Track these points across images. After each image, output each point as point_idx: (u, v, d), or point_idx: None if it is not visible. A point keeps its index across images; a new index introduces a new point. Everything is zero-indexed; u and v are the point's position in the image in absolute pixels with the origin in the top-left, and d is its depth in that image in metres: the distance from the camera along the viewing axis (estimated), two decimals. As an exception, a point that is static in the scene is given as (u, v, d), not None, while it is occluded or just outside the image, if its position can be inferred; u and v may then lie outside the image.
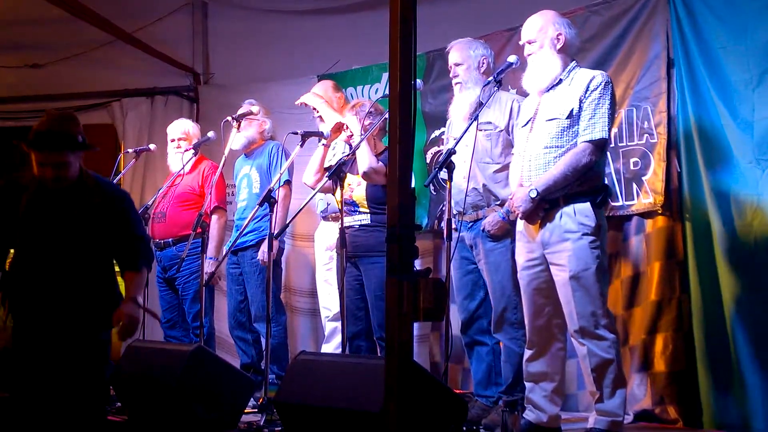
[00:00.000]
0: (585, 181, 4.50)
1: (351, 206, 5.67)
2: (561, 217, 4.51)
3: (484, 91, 5.04)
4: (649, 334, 5.35)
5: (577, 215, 4.47)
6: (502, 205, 5.09)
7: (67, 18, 8.06)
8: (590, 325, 4.41)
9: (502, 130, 5.17)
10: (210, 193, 6.28)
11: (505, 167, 5.14)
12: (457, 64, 5.35)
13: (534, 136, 4.65)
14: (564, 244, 4.48)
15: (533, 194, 4.49)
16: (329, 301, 6.32)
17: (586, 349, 4.44)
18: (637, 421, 5.28)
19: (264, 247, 6.16)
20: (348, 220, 5.64)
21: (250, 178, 6.54)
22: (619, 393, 4.45)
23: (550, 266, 4.56)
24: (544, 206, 4.53)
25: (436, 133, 6.62)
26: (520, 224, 4.72)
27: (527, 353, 4.71)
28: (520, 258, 4.73)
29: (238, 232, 6.04)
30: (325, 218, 6.32)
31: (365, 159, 5.46)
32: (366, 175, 5.51)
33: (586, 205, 4.48)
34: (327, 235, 6.27)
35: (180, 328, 6.81)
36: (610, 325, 4.47)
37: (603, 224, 4.55)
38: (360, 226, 5.63)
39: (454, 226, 5.04)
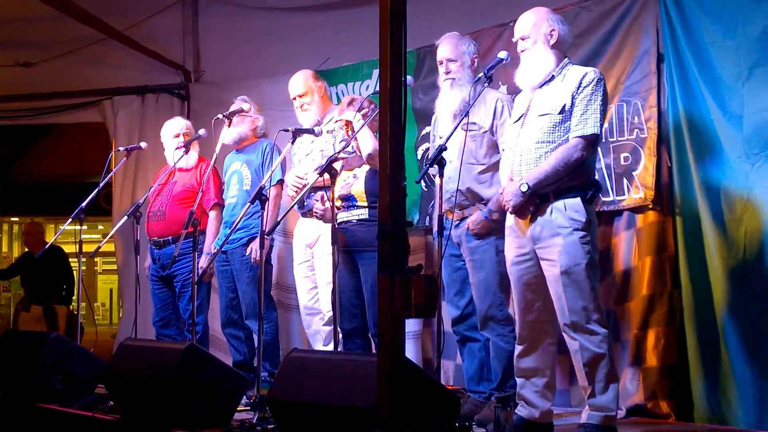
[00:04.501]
0: (576, 177, 4.50)
1: (349, 200, 5.61)
2: (551, 212, 4.51)
3: (474, 88, 5.03)
4: (641, 329, 5.37)
5: (567, 210, 4.47)
6: (486, 204, 5.10)
7: (58, 16, 8.05)
8: (582, 319, 4.42)
9: (486, 131, 5.15)
10: (201, 191, 6.25)
11: (490, 168, 5.14)
12: (450, 60, 5.28)
13: (525, 131, 4.65)
14: (554, 239, 4.48)
15: (524, 188, 4.49)
16: (310, 299, 6.24)
17: (578, 344, 4.45)
18: (629, 416, 5.30)
19: (254, 245, 6.16)
20: (345, 215, 5.61)
21: (240, 175, 6.53)
22: (611, 387, 4.45)
23: (541, 261, 4.57)
24: (535, 201, 4.53)
25: (427, 129, 6.62)
26: (510, 219, 4.71)
27: (518, 349, 4.71)
28: (510, 253, 4.73)
29: (229, 229, 6.03)
30: (303, 215, 6.21)
31: (369, 142, 5.40)
32: (371, 158, 5.41)
33: (577, 201, 4.48)
34: (306, 232, 6.20)
35: (173, 326, 6.81)
36: (602, 319, 4.47)
37: (593, 220, 4.55)
38: (358, 220, 5.57)
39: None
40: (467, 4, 7.10)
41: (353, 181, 5.61)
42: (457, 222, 5.18)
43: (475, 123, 5.12)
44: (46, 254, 8.91)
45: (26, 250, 10.74)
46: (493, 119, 5.15)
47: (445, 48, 5.33)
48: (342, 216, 5.60)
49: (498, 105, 5.16)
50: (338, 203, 5.61)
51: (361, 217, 5.56)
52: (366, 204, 5.53)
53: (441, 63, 5.34)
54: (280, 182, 6.29)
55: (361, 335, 5.65)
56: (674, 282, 5.27)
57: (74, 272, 10.34)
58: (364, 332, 5.66)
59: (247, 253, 6.28)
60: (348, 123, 5.55)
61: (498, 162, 5.10)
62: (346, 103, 5.71)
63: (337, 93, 7.34)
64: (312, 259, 6.17)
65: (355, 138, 5.40)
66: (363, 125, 5.29)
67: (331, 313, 5.92)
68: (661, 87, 5.37)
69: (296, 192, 6.00)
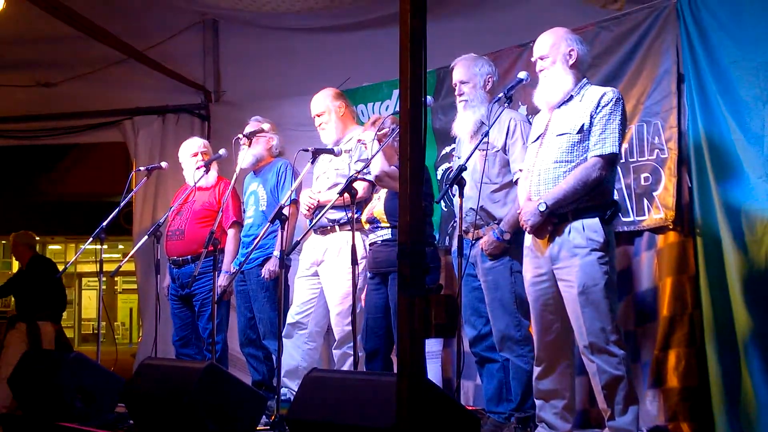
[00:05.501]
0: (594, 197, 4.50)
1: (373, 223, 5.62)
2: (569, 232, 4.50)
3: (493, 107, 5.03)
4: (661, 350, 5.33)
5: (585, 230, 4.47)
6: (498, 223, 5.09)
7: (79, 37, 8.10)
8: (600, 340, 4.40)
9: (499, 150, 5.16)
10: (221, 210, 6.27)
11: (503, 186, 5.15)
12: (462, 82, 5.31)
13: (544, 150, 4.66)
14: (572, 260, 4.47)
15: (542, 208, 4.49)
16: (299, 312, 6.17)
17: (596, 366, 4.43)
18: (650, 437, 5.27)
19: (268, 265, 6.17)
20: (372, 237, 5.62)
21: (257, 196, 6.55)
22: (631, 410, 4.43)
23: (558, 282, 4.56)
24: (553, 220, 4.53)
25: (447, 149, 6.63)
26: (528, 239, 4.71)
27: (536, 370, 4.70)
28: (528, 273, 4.72)
29: (248, 249, 6.03)
30: (315, 231, 6.16)
31: (377, 164, 5.40)
32: (378, 179, 5.44)
33: (595, 221, 4.48)
34: (314, 248, 6.15)
35: (193, 345, 6.81)
36: (620, 341, 4.45)
37: (611, 240, 4.54)
38: (382, 241, 5.56)
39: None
40: (487, 25, 7.12)
41: (377, 204, 5.62)
42: (473, 241, 5.18)
43: (488, 142, 5.12)
44: (35, 268, 8.86)
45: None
46: (506, 138, 5.16)
47: (458, 70, 5.35)
48: (370, 238, 5.64)
49: (511, 124, 5.17)
50: (366, 226, 5.63)
51: (385, 237, 5.54)
52: (388, 225, 5.52)
53: (455, 85, 5.37)
54: (294, 202, 6.27)
55: (383, 356, 5.60)
56: (695, 303, 5.23)
57: (65, 289, 10.11)
58: (387, 353, 5.62)
59: (262, 274, 6.27)
60: (366, 144, 5.58)
61: (511, 181, 5.10)
62: (370, 123, 5.73)
63: (356, 113, 7.35)
64: (315, 275, 6.14)
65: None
66: (379, 150, 5.31)
67: (340, 335, 5.90)
68: (681, 107, 5.35)
69: (308, 210, 6.03)
